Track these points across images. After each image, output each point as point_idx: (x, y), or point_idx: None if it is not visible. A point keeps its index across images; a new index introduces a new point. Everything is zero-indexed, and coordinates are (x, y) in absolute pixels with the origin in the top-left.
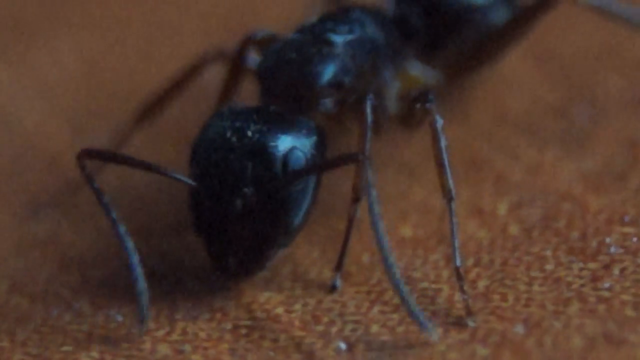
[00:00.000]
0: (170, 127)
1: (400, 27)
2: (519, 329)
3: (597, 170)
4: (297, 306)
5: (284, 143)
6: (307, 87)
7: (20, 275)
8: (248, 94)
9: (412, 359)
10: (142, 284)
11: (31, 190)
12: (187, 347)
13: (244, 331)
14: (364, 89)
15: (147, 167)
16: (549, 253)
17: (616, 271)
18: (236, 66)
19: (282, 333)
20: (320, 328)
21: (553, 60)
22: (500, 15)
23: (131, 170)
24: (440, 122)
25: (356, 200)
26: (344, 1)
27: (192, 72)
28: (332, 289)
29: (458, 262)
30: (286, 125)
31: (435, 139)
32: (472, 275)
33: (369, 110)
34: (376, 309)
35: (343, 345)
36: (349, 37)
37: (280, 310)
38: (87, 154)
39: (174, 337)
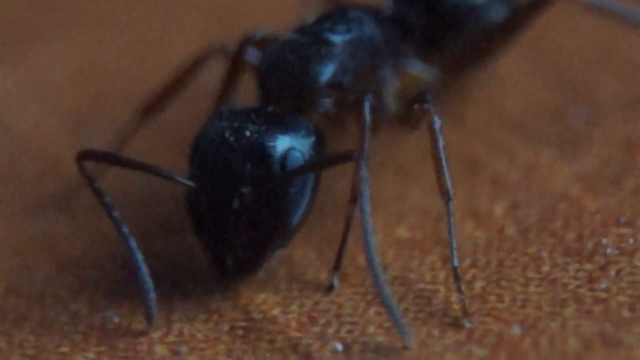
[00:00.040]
0: (169, 128)
1: (398, 25)
2: (516, 330)
3: (593, 171)
4: (294, 307)
5: (282, 143)
6: (305, 87)
7: (17, 276)
8: (248, 91)
9: None
10: (148, 282)
11: (29, 191)
12: (184, 348)
13: (240, 332)
14: (362, 88)
15: (145, 168)
16: (545, 254)
17: (612, 272)
18: (235, 66)
19: (278, 334)
20: (316, 329)
21: (549, 62)
22: (498, 13)
23: (128, 171)
24: (438, 123)
25: (354, 200)
26: (342, 0)
27: (193, 66)
28: (330, 288)
29: (456, 263)
30: (284, 125)
31: (433, 140)
32: (468, 276)
33: (367, 110)
34: (373, 310)
35: (339, 346)
36: (348, 36)
37: (276, 311)
38: (86, 156)
39: (171, 338)
